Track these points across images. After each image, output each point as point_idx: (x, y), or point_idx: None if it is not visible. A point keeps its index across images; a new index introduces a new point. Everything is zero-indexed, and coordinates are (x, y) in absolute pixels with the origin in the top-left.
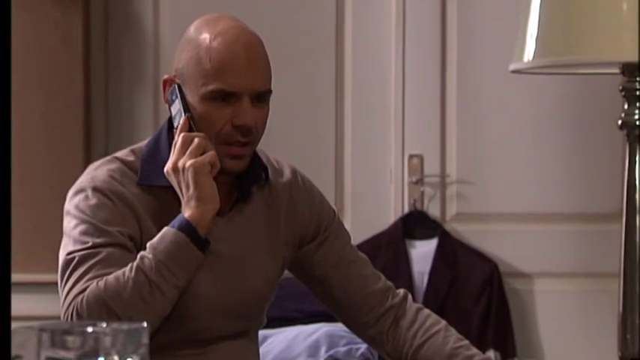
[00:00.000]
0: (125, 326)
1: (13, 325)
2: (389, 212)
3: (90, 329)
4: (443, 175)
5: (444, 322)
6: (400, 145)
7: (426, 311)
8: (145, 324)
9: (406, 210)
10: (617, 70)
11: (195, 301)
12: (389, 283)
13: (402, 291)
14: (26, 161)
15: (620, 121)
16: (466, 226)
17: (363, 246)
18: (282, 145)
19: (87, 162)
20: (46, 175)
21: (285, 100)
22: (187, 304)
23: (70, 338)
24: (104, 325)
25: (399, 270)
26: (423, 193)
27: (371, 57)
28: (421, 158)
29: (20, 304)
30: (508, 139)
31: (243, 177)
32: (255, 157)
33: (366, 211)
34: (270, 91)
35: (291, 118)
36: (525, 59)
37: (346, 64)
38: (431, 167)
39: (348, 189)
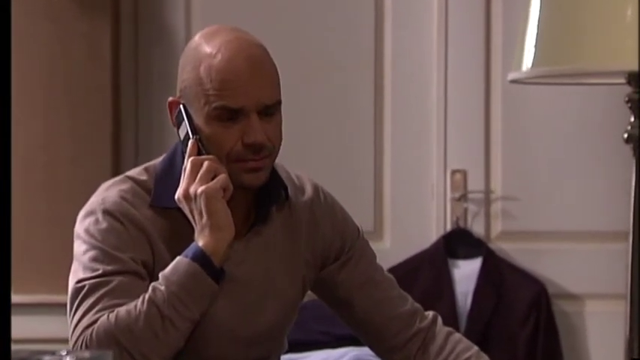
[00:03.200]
0: (87, 354)
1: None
2: (431, 230)
3: (47, 358)
4: (487, 191)
5: (475, 348)
6: (442, 159)
7: (457, 335)
8: (109, 352)
9: (449, 228)
10: (622, 80)
11: (211, 328)
12: (417, 305)
13: (431, 313)
14: (53, 177)
15: (625, 135)
16: (512, 244)
17: (403, 265)
18: (321, 161)
19: None
20: (73, 191)
21: (324, 115)
22: (203, 331)
23: None
24: (63, 352)
25: (442, 290)
26: (466, 210)
27: (412, 69)
28: (464, 173)
29: (50, 325)
30: (555, 153)
31: (261, 197)
32: (275, 175)
33: (407, 229)
34: (279, 102)
35: (329, 133)
36: (524, 68)
37: (386, 76)
38: (475, 183)
39: (388, 205)
